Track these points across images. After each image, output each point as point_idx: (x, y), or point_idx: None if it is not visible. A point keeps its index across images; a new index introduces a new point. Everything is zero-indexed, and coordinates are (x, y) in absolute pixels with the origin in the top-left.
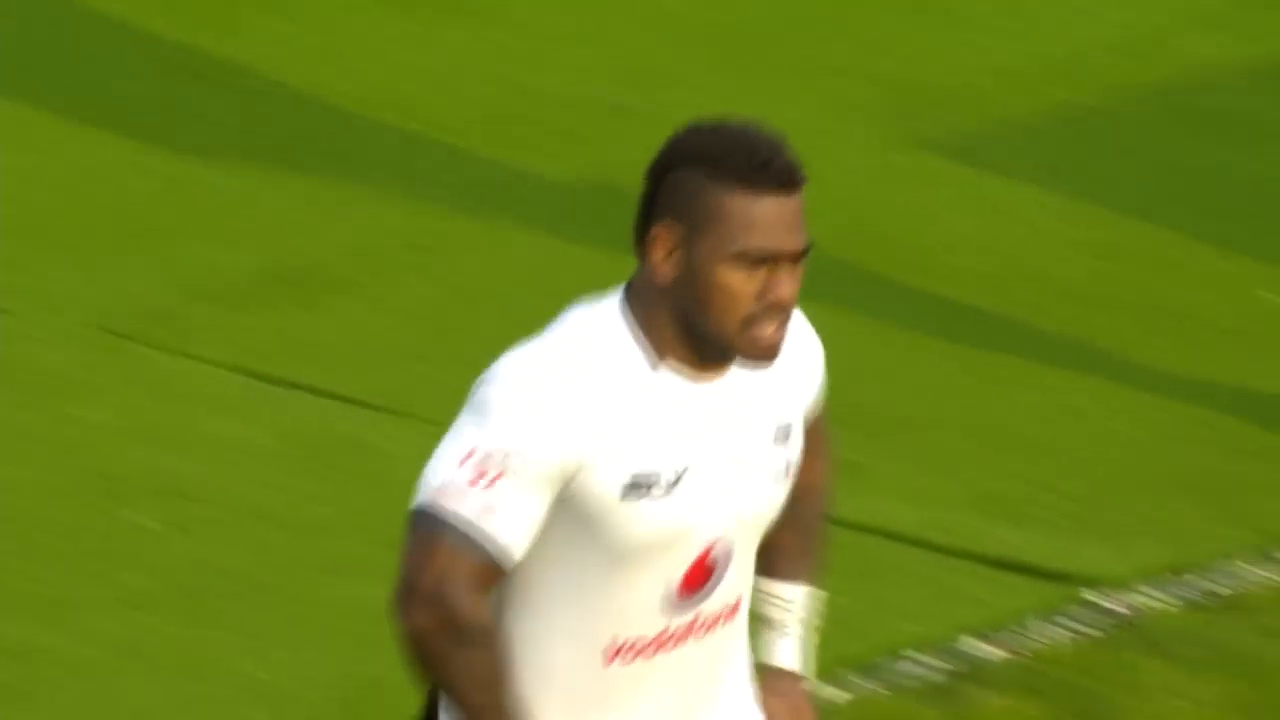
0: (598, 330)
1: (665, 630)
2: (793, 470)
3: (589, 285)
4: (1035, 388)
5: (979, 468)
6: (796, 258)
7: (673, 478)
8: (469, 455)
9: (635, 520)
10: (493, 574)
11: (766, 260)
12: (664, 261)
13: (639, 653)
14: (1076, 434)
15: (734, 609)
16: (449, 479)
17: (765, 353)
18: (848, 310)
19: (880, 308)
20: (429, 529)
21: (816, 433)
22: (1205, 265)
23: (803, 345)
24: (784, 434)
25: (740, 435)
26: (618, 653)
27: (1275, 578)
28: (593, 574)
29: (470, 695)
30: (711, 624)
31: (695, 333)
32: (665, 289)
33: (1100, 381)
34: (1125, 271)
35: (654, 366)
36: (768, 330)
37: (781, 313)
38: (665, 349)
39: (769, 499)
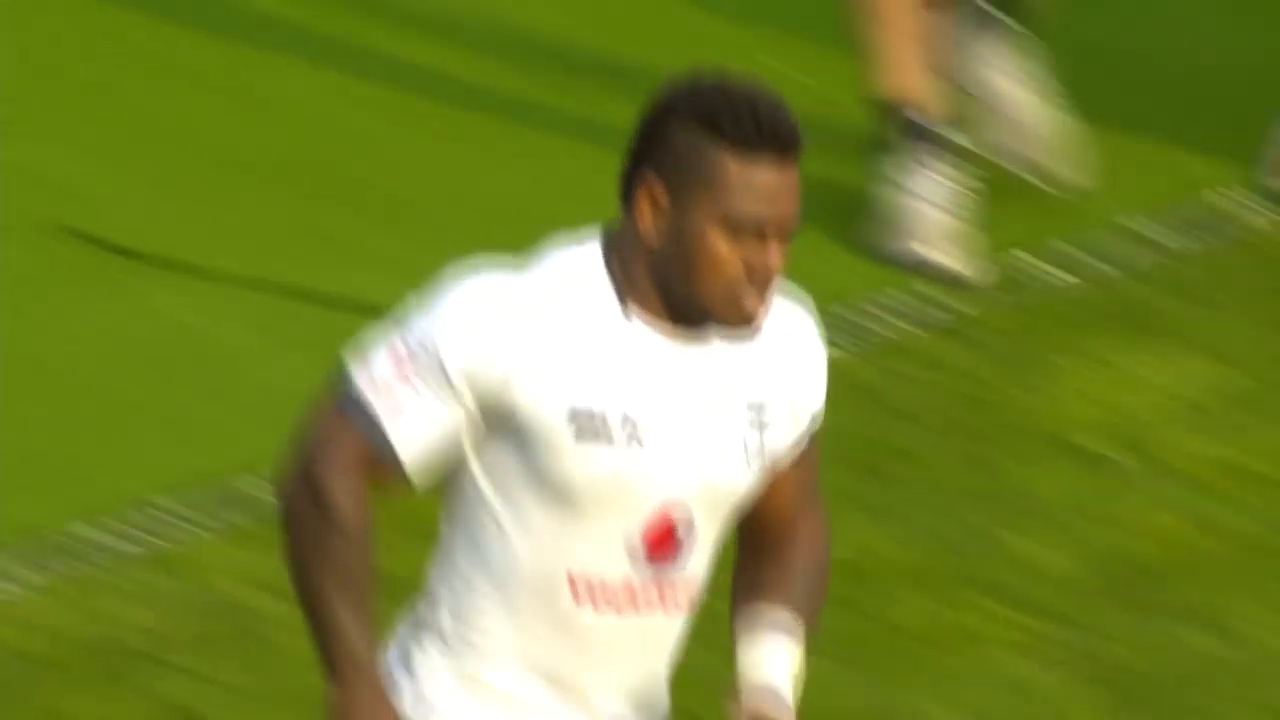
0: (574, 268)
1: (631, 582)
2: (767, 462)
3: (176, 67)
4: (528, 158)
5: (471, 242)
6: (786, 228)
7: (623, 423)
8: (394, 344)
9: (585, 463)
10: (377, 467)
11: (757, 227)
12: (650, 216)
13: (609, 603)
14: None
15: (695, 600)
16: (369, 359)
17: (744, 320)
18: (338, 75)
19: (378, 74)
20: (330, 398)
21: (805, 467)
22: (710, 32)
23: (802, 344)
24: (756, 415)
25: (708, 403)
26: (580, 591)
27: None
28: (547, 511)
29: (315, 576)
30: (680, 603)
31: (674, 292)
32: (648, 243)
33: (587, 148)
34: (621, 41)
35: (625, 314)
36: (750, 299)
37: (767, 283)
38: (639, 301)
39: (733, 477)
